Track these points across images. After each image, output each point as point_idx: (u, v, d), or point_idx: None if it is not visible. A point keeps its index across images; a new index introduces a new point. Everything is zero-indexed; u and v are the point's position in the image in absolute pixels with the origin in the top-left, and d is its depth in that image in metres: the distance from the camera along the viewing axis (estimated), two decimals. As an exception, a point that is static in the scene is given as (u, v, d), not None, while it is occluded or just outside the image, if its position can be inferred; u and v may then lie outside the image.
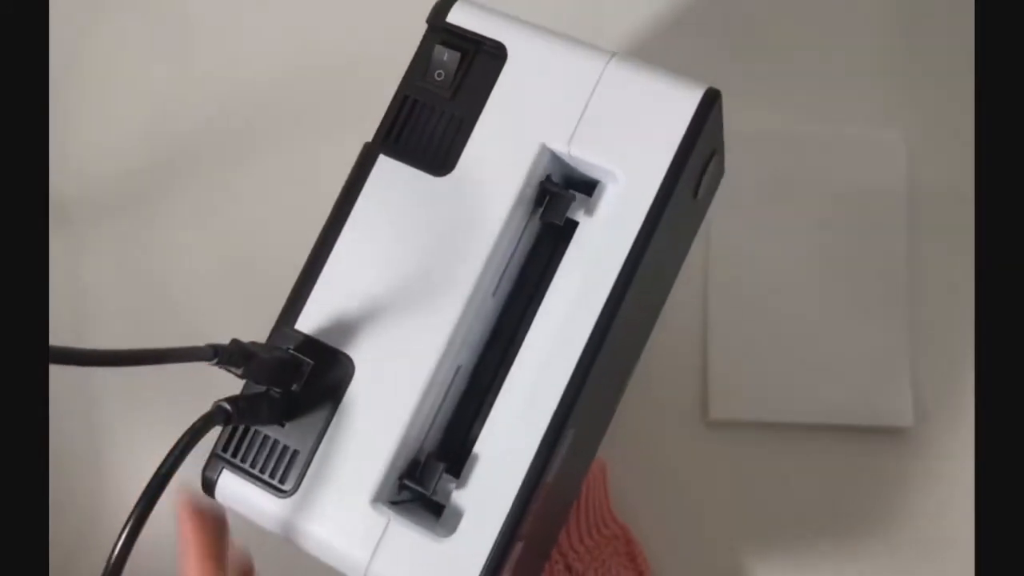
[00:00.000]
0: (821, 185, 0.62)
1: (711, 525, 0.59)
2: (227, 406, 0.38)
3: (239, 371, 0.38)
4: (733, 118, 0.62)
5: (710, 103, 0.41)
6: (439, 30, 0.43)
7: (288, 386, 0.41)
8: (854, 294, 0.60)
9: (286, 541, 0.41)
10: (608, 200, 0.42)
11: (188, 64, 0.67)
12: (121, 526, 0.35)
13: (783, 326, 0.60)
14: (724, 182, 0.62)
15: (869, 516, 0.59)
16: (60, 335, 0.42)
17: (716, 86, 0.42)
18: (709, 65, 0.62)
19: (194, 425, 0.37)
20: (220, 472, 0.41)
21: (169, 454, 0.36)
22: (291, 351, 0.41)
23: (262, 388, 0.40)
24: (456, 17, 0.43)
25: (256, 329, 0.41)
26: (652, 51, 0.44)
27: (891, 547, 0.58)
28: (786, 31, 0.65)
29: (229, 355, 0.38)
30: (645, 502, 0.59)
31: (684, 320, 0.61)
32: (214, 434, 0.41)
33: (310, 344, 0.41)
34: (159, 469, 0.36)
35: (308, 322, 0.42)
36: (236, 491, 0.41)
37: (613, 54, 0.42)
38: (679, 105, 0.41)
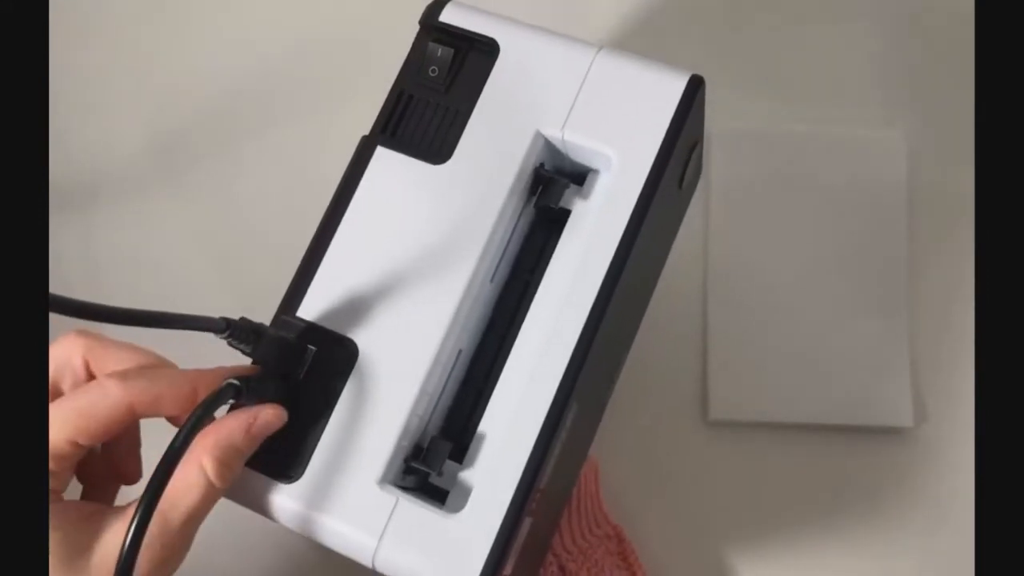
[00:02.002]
0: (821, 185, 0.62)
1: (710, 525, 0.59)
2: (237, 382, 0.39)
3: (248, 348, 0.39)
4: (733, 118, 0.63)
5: (695, 88, 0.42)
6: (432, 29, 0.45)
7: (292, 372, 0.41)
8: (854, 294, 0.60)
9: (292, 529, 0.41)
10: (600, 186, 0.43)
11: (188, 50, 0.67)
12: (136, 504, 0.35)
13: (783, 326, 0.60)
14: (725, 181, 0.62)
15: (869, 516, 0.58)
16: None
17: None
18: (708, 65, 0.62)
19: (205, 400, 0.37)
20: None
21: (181, 428, 0.36)
22: (295, 337, 0.41)
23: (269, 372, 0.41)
24: (448, 17, 0.45)
25: (258, 316, 0.42)
26: (647, 52, 0.45)
27: (891, 547, 0.58)
28: (786, 30, 0.65)
29: (239, 330, 0.38)
30: (644, 503, 0.59)
31: (684, 320, 0.61)
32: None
33: (313, 331, 0.42)
34: (172, 443, 0.36)
35: (310, 309, 0.42)
36: (240, 480, 0.41)
37: (601, 46, 0.44)
38: (667, 90, 0.42)
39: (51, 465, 0.38)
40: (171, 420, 0.41)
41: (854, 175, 0.62)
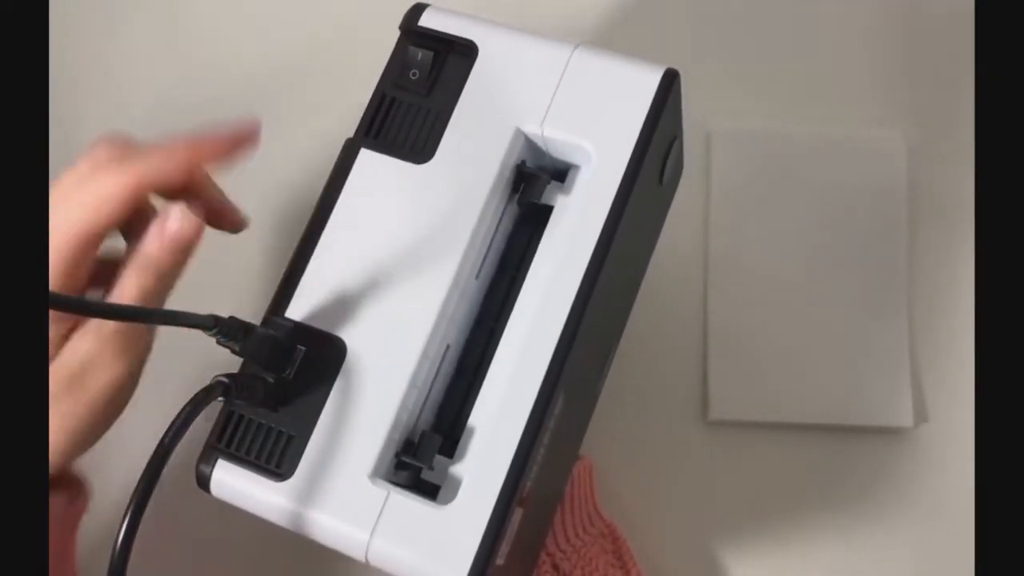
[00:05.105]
0: (821, 185, 0.62)
1: (709, 525, 0.59)
2: (226, 379, 0.39)
3: (237, 346, 0.39)
4: (733, 118, 0.63)
5: (670, 82, 0.43)
6: (412, 34, 0.45)
7: (282, 371, 0.41)
8: (854, 294, 0.60)
9: (285, 527, 0.41)
10: (581, 181, 0.44)
11: (182, 55, 0.68)
12: (126, 502, 0.35)
13: (783, 326, 0.60)
14: (725, 181, 0.62)
15: (869, 516, 0.58)
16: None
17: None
18: (707, 65, 0.62)
19: (195, 397, 0.38)
20: (215, 462, 0.41)
21: (171, 425, 0.37)
22: (284, 336, 0.42)
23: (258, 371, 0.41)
24: (427, 21, 0.45)
25: (249, 317, 0.42)
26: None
27: (891, 547, 0.58)
28: (786, 31, 0.65)
29: (228, 327, 0.39)
30: (644, 503, 0.59)
31: (684, 320, 0.61)
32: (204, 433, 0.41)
33: (301, 330, 0.42)
34: (162, 440, 0.36)
35: (298, 310, 0.42)
36: (232, 480, 0.41)
37: (577, 44, 0.44)
38: (642, 84, 0.43)
39: (69, 261, 0.40)
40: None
41: (854, 175, 0.62)
